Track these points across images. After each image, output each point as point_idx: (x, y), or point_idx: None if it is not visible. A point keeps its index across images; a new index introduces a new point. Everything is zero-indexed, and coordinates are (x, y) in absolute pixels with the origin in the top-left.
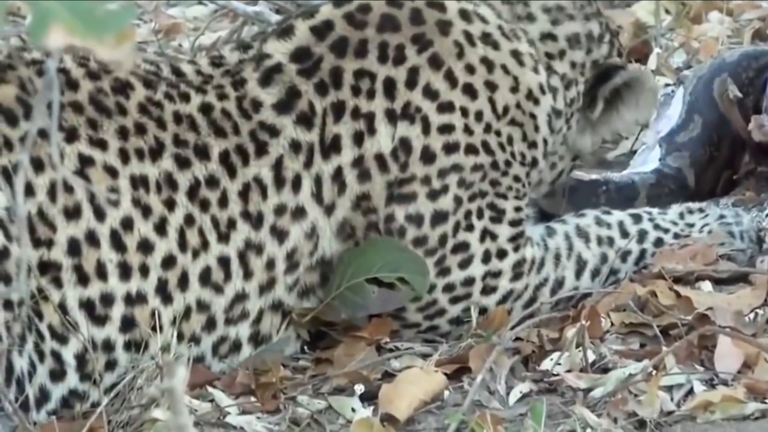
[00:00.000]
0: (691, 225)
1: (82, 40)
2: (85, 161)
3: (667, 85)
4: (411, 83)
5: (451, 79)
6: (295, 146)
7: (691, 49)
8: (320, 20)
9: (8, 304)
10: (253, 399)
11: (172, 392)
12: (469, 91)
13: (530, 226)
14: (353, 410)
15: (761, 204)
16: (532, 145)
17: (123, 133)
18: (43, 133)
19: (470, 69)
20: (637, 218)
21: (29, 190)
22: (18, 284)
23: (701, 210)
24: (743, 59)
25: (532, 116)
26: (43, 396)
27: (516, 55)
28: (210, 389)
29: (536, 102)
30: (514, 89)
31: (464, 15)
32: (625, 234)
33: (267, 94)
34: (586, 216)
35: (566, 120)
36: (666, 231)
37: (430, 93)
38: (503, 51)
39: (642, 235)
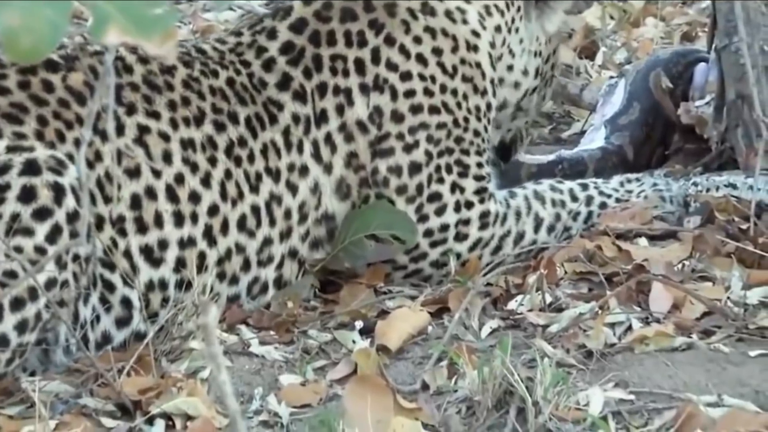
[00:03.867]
0: (630, 191)
1: (134, 39)
2: (143, 129)
3: (612, 77)
4: (375, 60)
5: (404, 52)
6: (295, 118)
7: (631, 48)
8: (295, 18)
9: (76, 259)
10: (272, 332)
11: (206, 327)
12: (421, 59)
13: (493, 185)
14: (354, 342)
15: (687, 175)
16: (484, 92)
17: (172, 106)
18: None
19: (417, 40)
20: (584, 186)
21: (98, 157)
22: (82, 240)
23: (638, 179)
24: (674, 56)
25: (477, 65)
26: (105, 340)
27: (448, 14)
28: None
29: (475, 49)
30: (455, 48)
31: None
32: (574, 198)
33: (269, 77)
34: (543, 183)
35: (508, 29)
36: (609, 196)
37: (391, 66)
38: (439, 15)
39: (589, 199)
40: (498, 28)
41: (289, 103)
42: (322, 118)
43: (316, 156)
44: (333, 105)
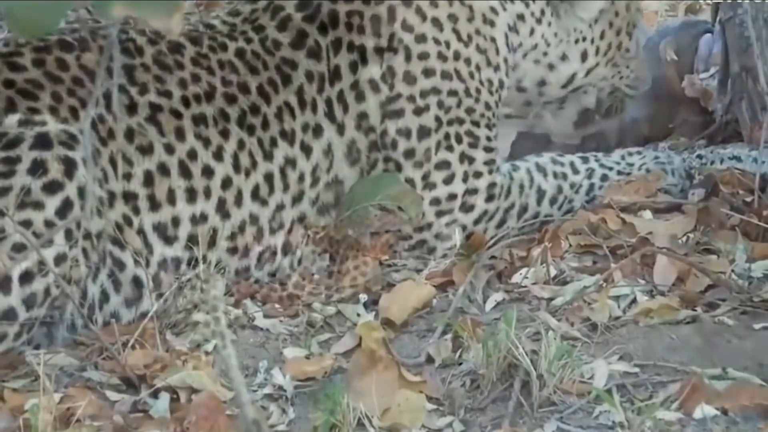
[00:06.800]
0: (631, 164)
1: (139, 12)
2: (155, 108)
3: None
4: (391, 19)
5: (420, 13)
6: (309, 76)
7: None
8: None
9: (87, 236)
10: (277, 306)
11: (212, 300)
12: (437, 23)
13: (499, 159)
14: (358, 315)
15: (691, 147)
16: (497, 68)
17: (182, 83)
18: (119, 89)
19: (434, 4)
20: (585, 159)
21: (111, 134)
22: (87, 214)
23: (639, 152)
24: (683, 27)
25: (492, 39)
26: (114, 318)
27: None
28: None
29: (492, 24)
30: (471, 18)
31: None
32: (576, 171)
33: (284, 37)
34: (544, 156)
35: (537, 20)
36: (610, 169)
37: (407, 27)
38: None
39: (590, 172)
40: (521, 17)
41: (304, 61)
42: (335, 75)
43: (330, 115)
44: (347, 62)
